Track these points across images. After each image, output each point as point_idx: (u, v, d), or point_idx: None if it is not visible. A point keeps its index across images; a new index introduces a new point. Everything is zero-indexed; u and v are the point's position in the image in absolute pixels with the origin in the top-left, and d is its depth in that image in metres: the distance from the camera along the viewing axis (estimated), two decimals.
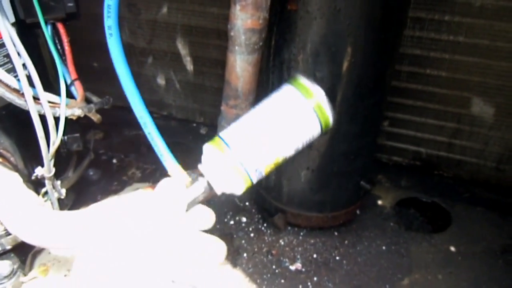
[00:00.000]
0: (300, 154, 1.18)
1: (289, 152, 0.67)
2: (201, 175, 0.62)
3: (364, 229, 1.39)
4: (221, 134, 0.64)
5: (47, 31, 0.97)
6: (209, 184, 0.61)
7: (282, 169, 1.25)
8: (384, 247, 1.32)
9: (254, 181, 0.64)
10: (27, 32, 1.12)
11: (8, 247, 1.19)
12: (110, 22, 0.83)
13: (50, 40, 0.96)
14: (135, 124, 1.97)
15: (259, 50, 1.02)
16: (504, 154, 1.51)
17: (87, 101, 1.16)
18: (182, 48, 1.73)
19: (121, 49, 0.89)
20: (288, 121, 0.65)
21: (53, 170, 0.97)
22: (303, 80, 0.67)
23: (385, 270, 1.26)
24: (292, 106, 0.66)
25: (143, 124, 0.75)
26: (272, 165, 0.65)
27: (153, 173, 1.65)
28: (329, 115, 0.67)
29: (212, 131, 1.41)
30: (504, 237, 1.36)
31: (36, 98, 0.88)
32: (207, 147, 0.63)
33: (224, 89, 1.10)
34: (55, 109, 0.92)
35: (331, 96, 1.06)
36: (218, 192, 0.63)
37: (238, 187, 0.62)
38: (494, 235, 1.37)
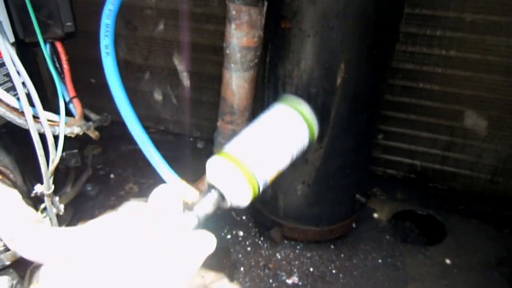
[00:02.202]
0: (296, 169, 1.21)
1: (287, 161, 0.74)
2: (212, 187, 0.64)
3: (360, 242, 1.40)
4: (229, 148, 0.69)
5: (46, 50, 0.99)
6: (220, 196, 0.63)
7: (278, 183, 1.26)
8: (380, 260, 1.33)
9: (260, 191, 0.68)
10: (26, 50, 1.14)
11: (7, 262, 1.19)
12: (107, 41, 0.85)
13: (49, 59, 0.98)
14: (132, 139, 1.99)
15: (255, 67, 1.04)
16: (498, 167, 1.53)
17: (86, 118, 1.18)
18: (179, 64, 1.76)
19: (117, 69, 0.91)
20: (285, 133, 0.75)
21: (52, 187, 0.98)
22: (292, 98, 0.79)
23: (381, 283, 1.26)
24: (287, 121, 0.76)
25: (140, 143, 0.76)
26: (275, 175, 0.72)
27: (151, 187, 1.63)
28: (314, 126, 0.79)
29: (209, 145, 1.42)
30: (499, 249, 1.37)
31: (35, 117, 0.89)
32: (218, 160, 0.67)
33: (220, 105, 1.12)
34: (54, 127, 0.93)
35: (325, 111, 1.08)
36: (228, 204, 0.65)
37: (247, 198, 0.65)
38: (489, 247, 1.38)
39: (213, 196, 0.62)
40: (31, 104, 0.89)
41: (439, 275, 1.29)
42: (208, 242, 0.54)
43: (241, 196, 0.66)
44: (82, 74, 1.87)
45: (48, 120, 0.93)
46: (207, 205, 0.61)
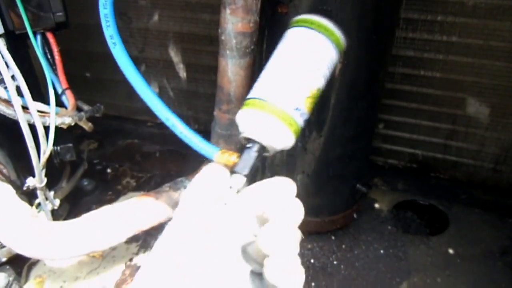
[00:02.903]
0: (295, 158, 1.18)
1: (320, 81, 0.67)
2: (248, 140, 0.61)
3: (361, 233, 1.37)
4: (253, 94, 0.64)
5: (35, 41, 0.96)
6: (260, 146, 0.60)
7: (278, 174, 1.23)
8: (382, 251, 1.31)
9: (301, 123, 0.63)
10: (17, 42, 1.11)
11: (4, 259, 1.17)
12: (110, 31, 0.81)
13: (38, 50, 0.95)
14: (129, 133, 1.97)
15: (251, 53, 1.01)
16: (501, 155, 1.50)
17: (79, 110, 1.15)
18: (175, 56, 1.73)
19: (128, 57, 0.87)
20: (305, 53, 0.66)
21: (45, 180, 0.95)
22: (301, 16, 0.70)
23: (383, 274, 1.24)
24: (304, 40, 0.67)
25: (171, 126, 0.71)
26: (309, 99, 0.65)
27: (148, 181, 1.64)
28: (338, 35, 0.69)
29: (207, 138, 1.40)
30: (503, 238, 1.35)
31: (25, 108, 0.86)
32: (244, 113, 0.63)
33: (217, 94, 1.09)
34: (45, 118, 0.91)
35: (324, 99, 1.05)
36: (272, 150, 0.62)
37: (287, 137, 0.61)
38: (493, 237, 1.35)
39: (253, 149, 0.60)
40: (21, 95, 0.86)
41: (442, 265, 1.26)
42: (287, 185, 0.50)
43: (283, 141, 0.62)
44: (77, 68, 1.85)
45: (39, 111, 0.91)
46: (249, 160, 0.58)
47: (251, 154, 0.59)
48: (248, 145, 0.60)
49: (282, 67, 0.65)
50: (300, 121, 0.63)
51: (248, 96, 0.65)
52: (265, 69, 0.67)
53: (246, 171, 0.56)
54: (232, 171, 0.58)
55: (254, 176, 0.58)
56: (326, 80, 0.67)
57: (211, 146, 0.63)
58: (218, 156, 0.61)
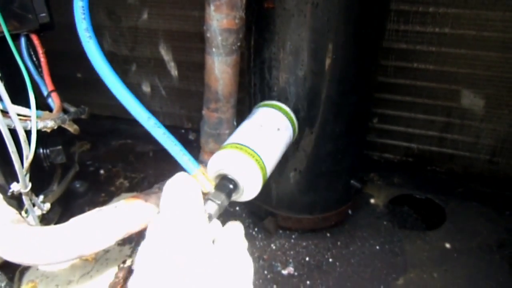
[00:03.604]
0: (286, 156, 1.16)
1: (280, 156, 0.86)
2: (224, 177, 0.65)
3: (356, 229, 1.36)
4: (234, 139, 0.78)
5: (12, 44, 0.94)
6: (233, 187, 0.65)
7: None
8: (377, 247, 1.29)
9: (265, 179, 0.75)
10: (3, 44, 1.09)
11: None
12: (85, 24, 0.79)
13: (16, 53, 0.92)
14: (122, 133, 1.95)
15: (237, 51, 0.99)
16: (497, 147, 1.49)
17: (65, 112, 1.13)
18: (166, 54, 1.71)
19: (102, 53, 0.85)
20: (277, 129, 0.87)
21: (29, 185, 0.93)
22: (274, 102, 0.98)
23: (379, 270, 1.22)
24: (276, 119, 0.91)
25: (152, 127, 0.69)
26: (274, 164, 0.81)
27: (141, 182, 1.62)
28: (296, 125, 0.97)
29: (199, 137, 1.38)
30: (500, 231, 1.33)
31: (6, 112, 0.84)
32: (228, 151, 0.72)
33: (205, 93, 1.07)
34: (27, 122, 0.89)
35: (314, 94, 1.03)
36: (240, 191, 0.67)
37: (258, 188, 0.70)
38: (490, 230, 1.34)
39: (227, 185, 0.64)
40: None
41: (439, 260, 1.25)
42: (240, 229, 0.54)
43: (254, 185, 0.68)
44: (68, 69, 1.83)
45: (21, 115, 0.89)
46: (223, 194, 0.61)
47: (225, 189, 0.63)
48: (223, 182, 0.65)
49: (270, 138, 0.84)
50: (266, 177, 0.74)
51: (230, 141, 0.77)
52: (241, 127, 0.86)
53: (221, 203, 0.59)
54: (207, 197, 0.60)
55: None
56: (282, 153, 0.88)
57: (193, 160, 0.64)
58: (197, 174, 0.63)
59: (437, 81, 1.43)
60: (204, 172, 0.62)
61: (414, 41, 1.39)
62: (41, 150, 1.25)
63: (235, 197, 0.68)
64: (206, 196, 0.60)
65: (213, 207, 0.57)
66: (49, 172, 1.33)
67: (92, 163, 1.73)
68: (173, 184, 0.51)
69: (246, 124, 0.85)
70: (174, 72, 1.75)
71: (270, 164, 0.77)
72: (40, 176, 1.25)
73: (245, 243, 0.56)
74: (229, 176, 0.65)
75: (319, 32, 0.97)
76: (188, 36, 1.62)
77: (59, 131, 1.22)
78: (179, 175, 0.53)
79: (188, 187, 0.52)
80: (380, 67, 1.42)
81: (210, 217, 0.56)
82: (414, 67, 1.43)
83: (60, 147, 1.28)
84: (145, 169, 1.69)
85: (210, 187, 0.62)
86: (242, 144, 0.73)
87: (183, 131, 1.91)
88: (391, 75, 1.47)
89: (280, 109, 0.96)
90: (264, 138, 0.80)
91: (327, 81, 1.03)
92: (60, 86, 1.14)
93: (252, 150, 0.72)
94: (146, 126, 0.64)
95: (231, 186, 0.64)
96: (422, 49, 1.39)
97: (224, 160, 0.68)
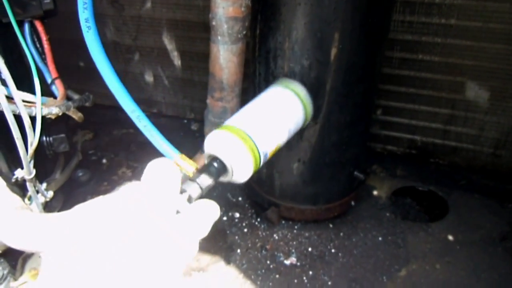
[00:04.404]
0: (291, 146, 1.16)
1: (285, 137, 0.82)
2: (213, 159, 0.65)
3: (359, 221, 1.36)
4: (230, 121, 0.75)
5: (19, 30, 0.93)
6: (221, 167, 0.64)
7: (274, 162, 1.22)
8: (380, 238, 1.29)
9: (261, 165, 0.72)
10: (6, 31, 1.08)
11: None
12: (87, 14, 0.79)
13: (22, 39, 0.92)
14: (124, 123, 1.94)
15: (243, 39, 0.98)
16: (500, 139, 1.48)
17: (69, 99, 1.12)
18: (169, 43, 1.70)
19: (100, 43, 0.85)
20: (282, 110, 0.83)
21: (34, 171, 0.93)
22: (288, 80, 0.92)
23: (381, 261, 1.22)
24: (283, 100, 0.86)
25: (135, 118, 0.71)
26: (274, 149, 0.77)
27: (144, 171, 1.61)
28: (309, 107, 0.91)
29: (203, 127, 1.38)
30: (502, 224, 1.33)
31: (11, 98, 0.84)
32: (220, 133, 0.70)
33: (209, 82, 1.07)
34: (31, 108, 0.88)
35: (319, 84, 1.03)
36: (229, 175, 0.66)
37: (249, 170, 0.68)
38: (493, 223, 1.34)
39: (215, 167, 0.63)
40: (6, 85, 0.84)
41: (441, 252, 1.25)
42: (212, 210, 0.51)
43: (243, 167, 0.67)
44: (71, 58, 1.82)
45: (26, 101, 0.88)
46: (209, 176, 0.60)
47: (213, 171, 0.62)
48: (212, 163, 0.64)
49: (267, 117, 0.79)
50: (262, 163, 0.72)
51: (226, 123, 0.74)
52: (251, 107, 0.82)
53: (204, 185, 0.57)
54: (191, 179, 0.59)
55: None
56: (288, 139, 0.85)
57: (172, 148, 0.65)
58: (177, 159, 0.64)
59: (442, 72, 1.42)
60: (185, 158, 0.63)
61: (420, 32, 1.38)
62: (44, 138, 1.24)
63: (226, 179, 0.67)
64: (190, 178, 0.61)
65: (194, 188, 0.55)
66: (52, 160, 1.32)
67: (94, 152, 1.73)
68: (147, 169, 0.50)
69: (250, 104, 0.83)
70: (177, 61, 1.74)
71: (267, 147, 0.74)
72: (44, 164, 1.25)
73: (205, 226, 0.52)
74: (218, 158, 0.65)
75: (326, 21, 0.96)
76: (192, 25, 1.61)
77: (61, 120, 1.21)
78: (154, 161, 0.52)
79: (161, 169, 0.51)
80: (385, 58, 1.41)
81: (189, 199, 0.55)
82: (419, 59, 1.42)
83: (63, 135, 1.27)
84: (147, 159, 1.67)
85: (192, 170, 0.62)
86: (236, 127, 0.71)
87: (185, 121, 1.90)
88: (396, 66, 1.46)
89: (291, 89, 0.92)
90: (264, 121, 0.77)
91: (332, 71, 1.02)
92: (62, 74, 1.14)
93: (245, 132, 0.69)
94: (131, 117, 0.67)
95: (218, 167, 0.63)
96: (427, 40, 1.38)
97: (214, 142, 0.68)
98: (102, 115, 1.93)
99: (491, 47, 1.33)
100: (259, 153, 0.71)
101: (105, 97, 1.91)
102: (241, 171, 0.67)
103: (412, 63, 1.44)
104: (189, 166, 0.67)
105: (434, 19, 1.34)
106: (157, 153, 1.81)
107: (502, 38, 1.30)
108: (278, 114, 0.83)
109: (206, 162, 0.69)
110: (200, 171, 0.62)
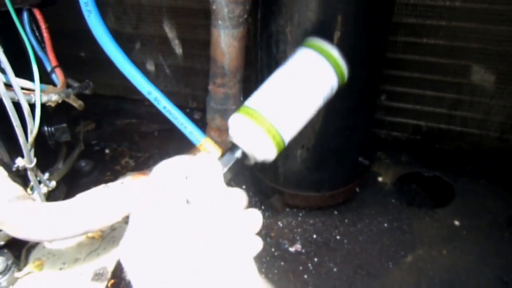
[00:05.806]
0: None
1: (314, 109, 0.71)
2: (234, 145, 0.63)
3: (364, 207, 1.35)
4: (248, 103, 0.67)
5: (16, 18, 0.92)
6: (243, 154, 0.62)
7: None
8: (385, 224, 1.28)
9: (286, 142, 0.66)
10: (6, 20, 1.07)
11: (1, 242, 1.15)
12: None
13: (20, 27, 0.90)
14: (127, 113, 1.94)
15: (244, 23, 0.96)
16: (507, 123, 1.46)
17: (69, 87, 1.11)
18: (170, 31, 1.68)
19: (104, 26, 0.83)
20: (310, 80, 0.70)
21: (34, 160, 0.92)
22: (316, 40, 0.74)
23: (387, 247, 1.22)
24: (311, 66, 0.71)
25: (154, 100, 0.69)
26: (300, 126, 0.69)
27: (147, 161, 1.61)
28: (344, 68, 0.73)
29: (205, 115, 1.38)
30: (509, 209, 1.32)
31: (9, 85, 0.83)
32: (238, 118, 0.65)
33: (211, 67, 1.05)
34: (30, 95, 0.87)
35: None
36: (252, 160, 0.64)
37: (271, 154, 0.64)
38: (499, 208, 1.32)
39: (235, 154, 0.62)
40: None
41: (447, 238, 1.24)
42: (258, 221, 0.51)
43: (264, 153, 0.64)
44: (72, 48, 1.81)
45: (25, 89, 0.87)
46: (229, 161, 0.60)
47: (233, 157, 0.61)
48: (233, 150, 0.62)
49: (288, 89, 0.67)
50: (286, 140, 0.66)
51: (246, 103, 0.67)
52: (269, 80, 0.68)
53: (225, 170, 0.57)
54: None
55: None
56: (319, 109, 0.71)
57: (198, 130, 0.63)
58: (203, 143, 0.62)
59: (447, 56, 1.40)
60: (209, 141, 0.61)
61: (424, 15, 1.35)
62: (46, 128, 1.24)
63: (249, 162, 0.65)
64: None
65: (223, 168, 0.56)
66: (54, 150, 1.32)
67: (97, 142, 1.72)
68: (160, 168, 0.49)
69: (272, 78, 0.72)
70: (178, 50, 1.72)
71: (292, 129, 0.67)
72: (46, 154, 1.25)
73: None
74: (238, 145, 0.63)
75: (328, 3, 0.94)
76: (193, 13, 1.59)
77: (63, 110, 1.21)
78: (169, 160, 0.51)
79: (174, 172, 0.50)
80: (389, 42, 1.39)
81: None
82: (423, 42, 1.40)
83: (65, 124, 1.27)
84: (150, 149, 1.68)
85: (218, 154, 0.61)
86: (254, 109, 0.66)
87: (188, 110, 1.89)
88: (400, 50, 1.44)
89: (322, 51, 0.75)
90: (288, 99, 0.68)
91: None
92: (63, 65, 1.13)
93: (266, 117, 0.64)
94: (149, 99, 0.64)
95: (239, 155, 0.62)
96: (432, 23, 1.36)
97: (234, 127, 0.65)
98: (105, 105, 1.92)
99: (497, 29, 1.30)
100: (280, 135, 0.65)
101: (108, 87, 1.92)
102: (264, 157, 0.65)
103: (417, 47, 1.42)
104: (216, 150, 0.65)
105: (438, 2, 1.32)
106: (161, 143, 1.80)
107: (508, 20, 1.28)
108: (305, 87, 0.71)
109: (231, 145, 0.66)
110: (225, 155, 0.62)
